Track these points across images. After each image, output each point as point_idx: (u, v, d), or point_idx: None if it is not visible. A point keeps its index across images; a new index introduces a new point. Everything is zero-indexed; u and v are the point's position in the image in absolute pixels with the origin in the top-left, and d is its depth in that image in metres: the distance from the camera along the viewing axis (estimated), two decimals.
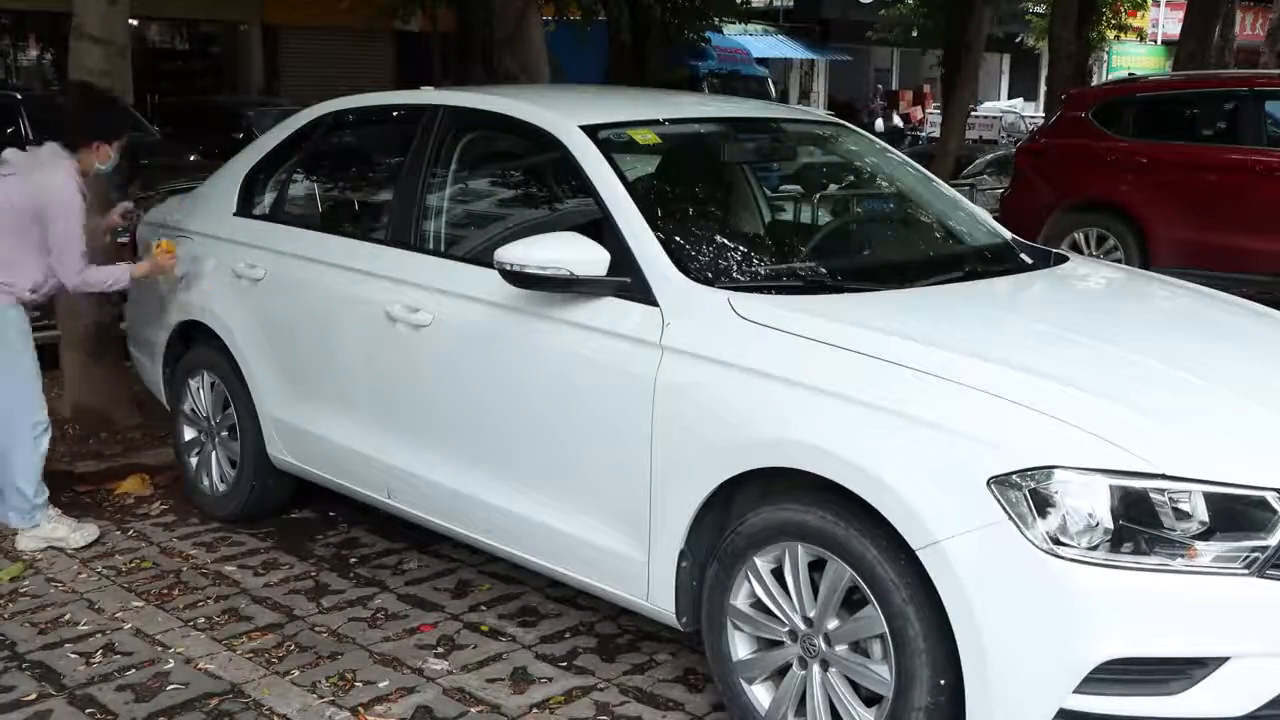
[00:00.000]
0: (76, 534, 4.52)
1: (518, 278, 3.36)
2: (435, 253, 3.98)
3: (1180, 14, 19.60)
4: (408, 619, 3.96)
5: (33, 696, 3.45)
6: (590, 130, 3.69)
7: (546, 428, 3.50)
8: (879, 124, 27.55)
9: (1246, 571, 2.56)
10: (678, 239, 3.45)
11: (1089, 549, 2.56)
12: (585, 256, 3.31)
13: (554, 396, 3.47)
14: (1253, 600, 2.56)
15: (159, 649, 3.74)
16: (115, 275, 4.51)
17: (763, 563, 3.03)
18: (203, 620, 3.94)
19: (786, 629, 3.03)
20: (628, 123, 3.89)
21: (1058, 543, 2.56)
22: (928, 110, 31.10)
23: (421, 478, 3.89)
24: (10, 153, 4.42)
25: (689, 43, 19.19)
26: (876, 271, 3.77)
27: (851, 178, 4.95)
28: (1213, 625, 2.58)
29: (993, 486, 2.60)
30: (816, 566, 2.95)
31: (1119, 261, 8.59)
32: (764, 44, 31.06)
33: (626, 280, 3.33)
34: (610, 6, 15.86)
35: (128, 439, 5.60)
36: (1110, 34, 26.03)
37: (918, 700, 2.75)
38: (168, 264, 4.57)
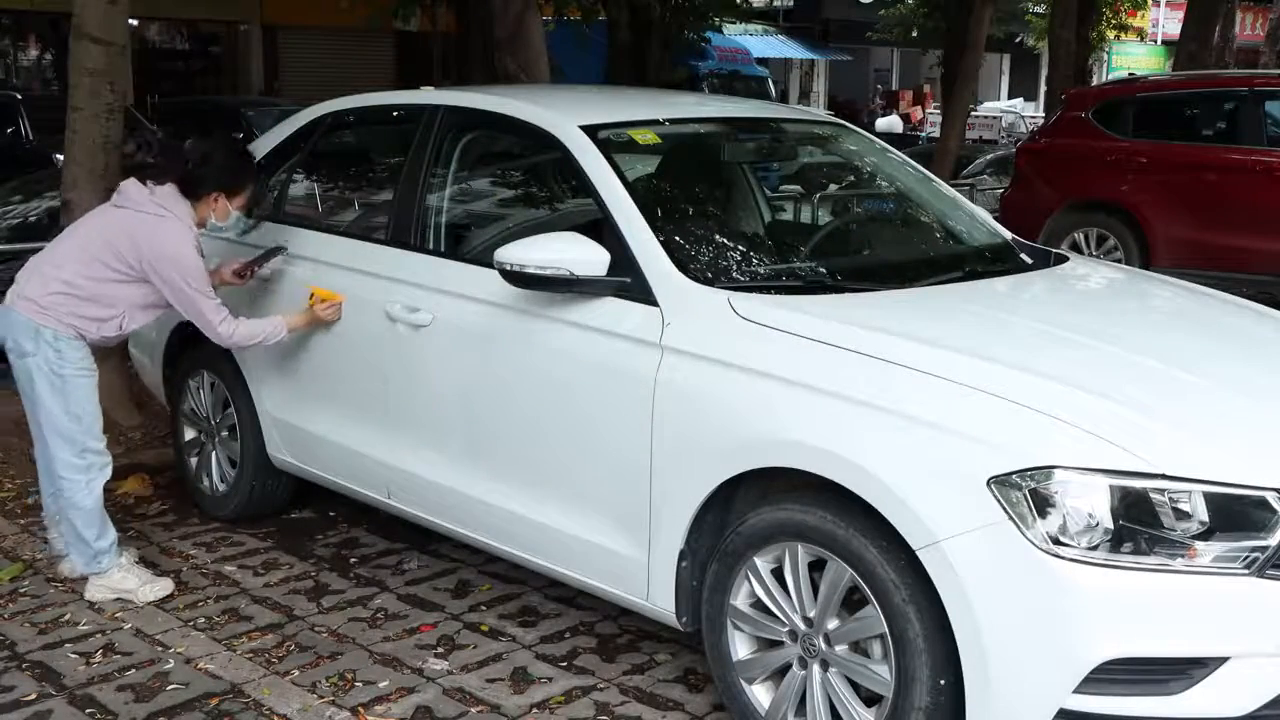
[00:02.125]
0: (147, 587, 4.07)
1: (517, 278, 3.36)
2: (435, 253, 3.98)
3: (1180, 14, 19.60)
4: (408, 619, 3.96)
5: (33, 696, 3.45)
6: (590, 130, 3.69)
7: (546, 427, 3.50)
8: (879, 124, 27.51)
9: (1246, 571, 2.56)
10: (678, 239, 3.45)
11: (1089, 549, 2.56)
12: (585, 256, 3.31)
13: (554, 396, 3.47)
14: (1253, 600, 2.56)
15: (159, 649, 3.74)
16: (267, 331, 4.06)
17: (763, 563, 3.03)
18: (203, 620, 3.94)
19: (786, 629, 3.03)
20: (628, 123, 3.89)
21: (1058, 543, 2.56)
22: (928, 110, 31.09)
23: (421, 478, 3.89)
24: (130, 185, 4.01)
25: (689, 43, 19.16)
26: (876, 271, 3.77)
27: (851, 178, 4.95)
28: (1213, 625, 2.58)
29: (993, 486, 2.60)
30: (816, 566, 2.95)
31: (1119, 261, 8.59)
32: (764, 44, 31.03)
33: (626, 280, 3.33)
34: (610, 6, 15.83)
35: (128, 439, 5.60)
36: (1110, 34, 26.02)
37: (918, 700, 2.75)
38: (329, 316, 4.10)
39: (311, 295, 4.11)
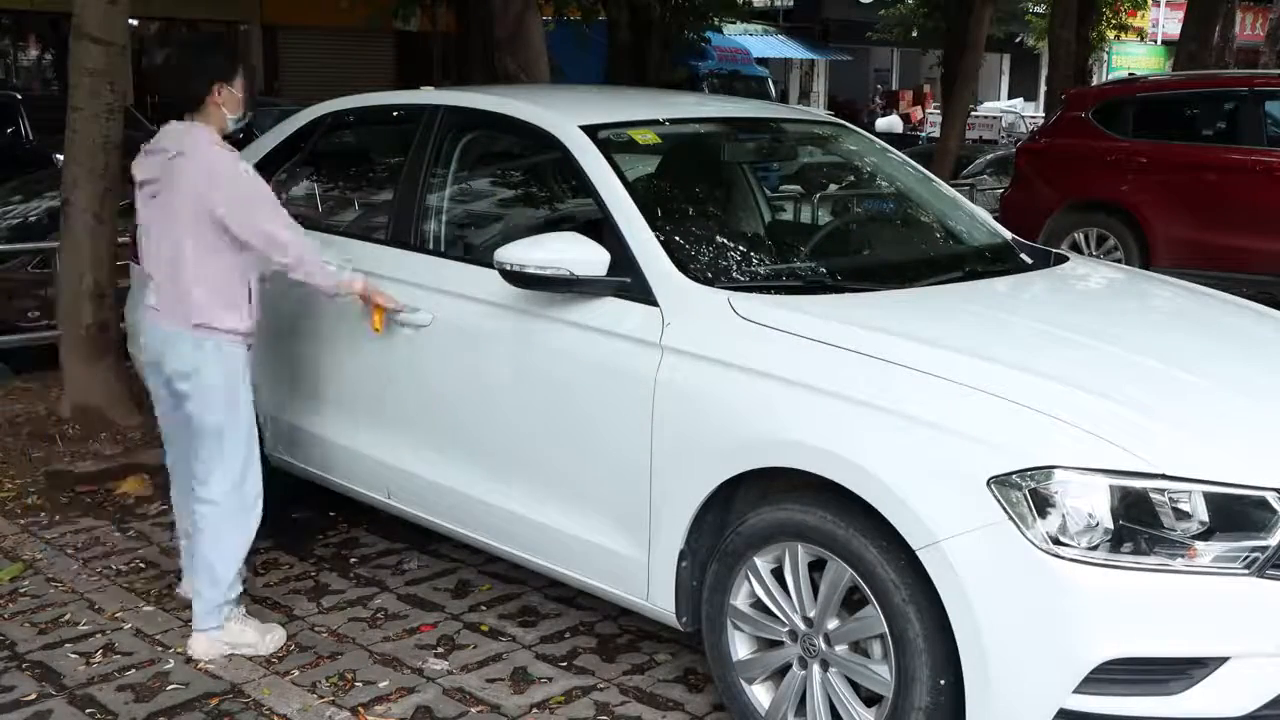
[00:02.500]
0: (268, 638, 3.74)
1: (517, 278, 3.36)
2: (435, 253, 3.98)
3: (1180, 14, 19.60)
4: (408, 619, 3.96)
5: (33, 696, 3.45)
6: (590, 130, 3.69)
7: (546, 427, 3.50)
8: (879, 123, 27.52)
9: (1246, 571, 2.56)
10: (678, 239, 3.45)
11: (1089, 549, 2.56)
12: (585, 256, 3.31)
13: (554, 396, 3.47)
14: (1253, 600, 2.56)
15: (159, 649, 3.74)
16: (330, 271, 3.68)
17: (763, 563, 3.03)
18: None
19: (786, 629, 3.03)
20: (628, 123, 3.89)
21: (1058, 543, 2.56)
22: (927, 110, 31.09)
23: (421, 478, 3.89)
24: (169, 127, 3.63)
25: (689, 43, 19.17)
26: (876, 271, 3.77)
27: (851, 178, 4.95)
28: (1213, 625, 2.58)
29: (993, 486, 2.60)
30: (816, 566, 2.95)
31: (1119, 261, 8.59)
32: (764, 44, 31.04)
33: (626, 280, 3.33)
34: (610, 6, 15.84)
35: (128, 439, 5.60)
36: (1110, 34, 26.02)
37: (918, 700, 2.75)
38: (389, 305, 3.81)
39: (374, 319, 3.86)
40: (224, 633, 3.67)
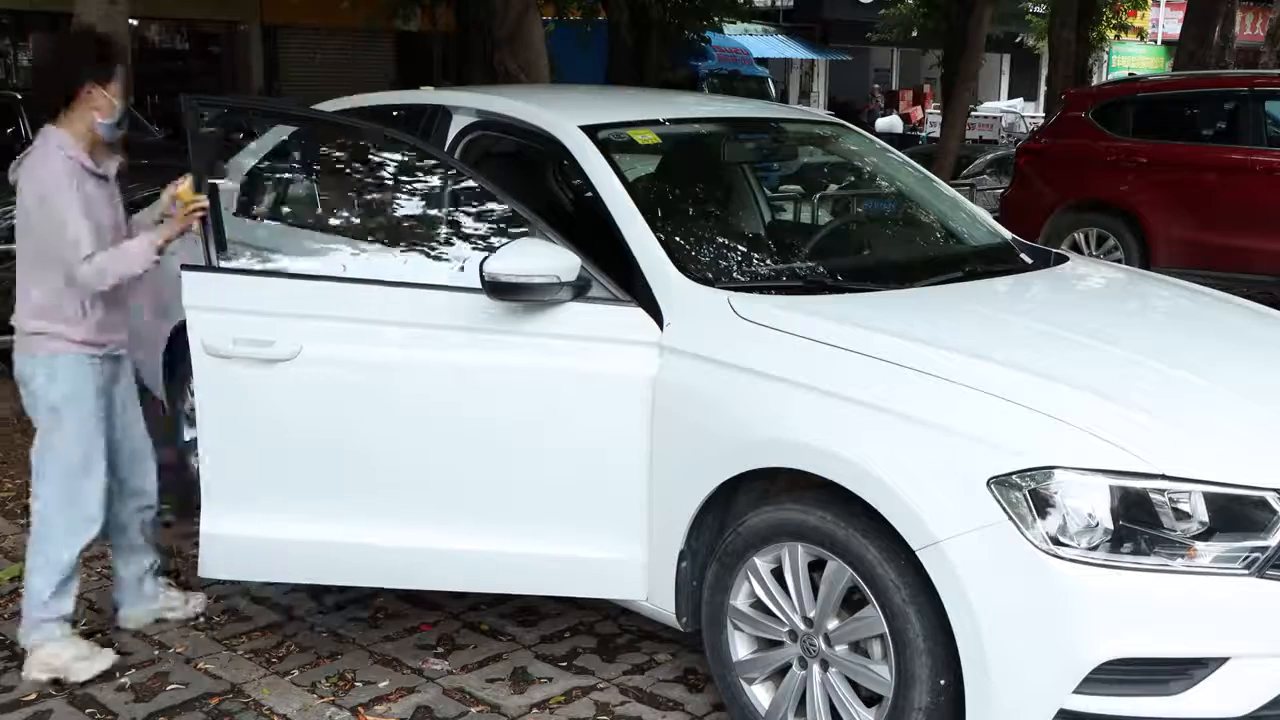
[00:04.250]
0: (86, 663, 3.55)
1: (506, 289, 3.22)
2: None
3: (1180, 14, 19.59)
4: (408, 619, 3.96)
5: (33, 697, 3.45)
6: (590, 130, 3.68)
7: (546, 427, 3.49)
8: (879, 124, 27.52)
9: (1246, 572, 2.56)
10: (678, 239, 3.45)
11: (1089, 549, 2.56)
12: (560, 264, 3.18)
13: (554, 396, 3.46)
14: (1253, 600, 2.56)
15: (159, 649, 3.74)
16: (135, 253, 3.36)
17: (763, 563, 3.03)
18: (203, 620, 3.93)
19: (786, 629, 3.03)
20: (628, 123, 3.88)
21: (1058, 543, 2.56)
22: (928, 110, 31.09)
23: (415, 549, 3.60)
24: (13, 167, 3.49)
25: (689, 43, 19.17)
26: (876, 271, 3.77)
27: (851, 178, 4.95)
28: (1213, 625, 2.58)
29: (993, 487, 2.60)
30: (816, 567, 2.95)
31: (1119, 261, 8.59)
32: (764, 44, 31.03)
33: (613, 287, 3.27)
34: (610, 6, 15.84)
35: None
36: (1110, 34, 25.99)
37: (918, 700, 2.75)
38: (197, 212, 3.39)
39: (176, 192, 3.45)
40: (40, 652, 3.52)
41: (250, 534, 3.40)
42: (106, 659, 3.59)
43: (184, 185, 3.43)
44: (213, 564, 3.45)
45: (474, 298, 3.22)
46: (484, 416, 3.32)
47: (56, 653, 3.51)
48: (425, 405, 3.31)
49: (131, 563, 3.83)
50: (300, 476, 3.39)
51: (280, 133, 4.69)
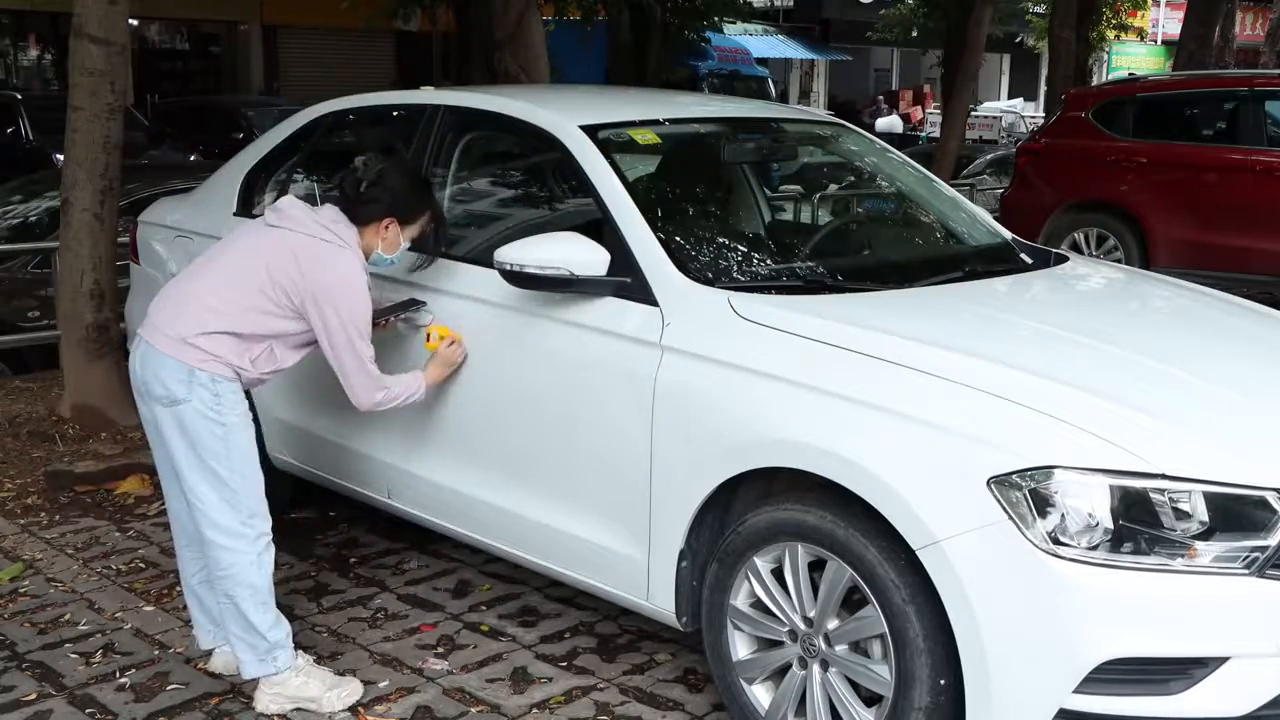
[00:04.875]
0: (334, 693, 3.40)
1: (517, 278, 3.36)
2: (435, 253, 3.97)
3: (1180, 14, 19.60)
4: (408, 619, 3.96)
5: (33, 696, 3.45)
6: (590, 130, 3.69)
7: (546, 427, 3.50)
8: (879, 124, 27.52)
9: (1246, 571, 2.56)
10: (678, 239, 3.45)
11: (1089, 549, 2.56)
12: (585, 256, 3.31)
13: (554, 396, 3.47)
14: (1253, 600, 2.56)
15: (159, 649, 3.74)
16: (412, 388, 3.53)
17: (763, 563, 3.03)
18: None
19: (786, 629, 3.03)
20: (628, 123, 3.89)
21: (1058, 543, 2.56)
22: (927, 110, 31.10)
23: (421, 477, 3.89)
24: (289, 203, 3.45)
25: (689, 43, 19.19)
26: (877, 271, 3.77)
27: (851, 178, 4.95)
28: (1213, 625, 2.58)
29: (993, 486, 2.60)
30: (816, 566, 2.95)
31: (1119, 261, 8.59)
32: (764, 44, 31.04)
33: (626, 280, 3.33)
34: (610, 6, 15.85)
35: (128, 439, 5.60)
36: (1110, 34, 26.02)
37: (918, 700, 2.75)
38: (457, 357, 3.63)
39: (429, 337, 3.66)
40: (281, 684, 3.36)
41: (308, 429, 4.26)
42: (356, 686, 3.45)
43: (436, 327, 3.68)
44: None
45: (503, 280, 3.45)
46: (502, 382, 3.61)
47: (306, 683, 3.38)
48: (473, 359, 3.68)
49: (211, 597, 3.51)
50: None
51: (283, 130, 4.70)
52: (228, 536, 3.31)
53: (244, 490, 3.33)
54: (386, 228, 3.46)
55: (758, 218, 4.59)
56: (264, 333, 3.32)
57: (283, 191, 4.72)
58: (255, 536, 3.35)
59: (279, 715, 3.35)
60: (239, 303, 3.28)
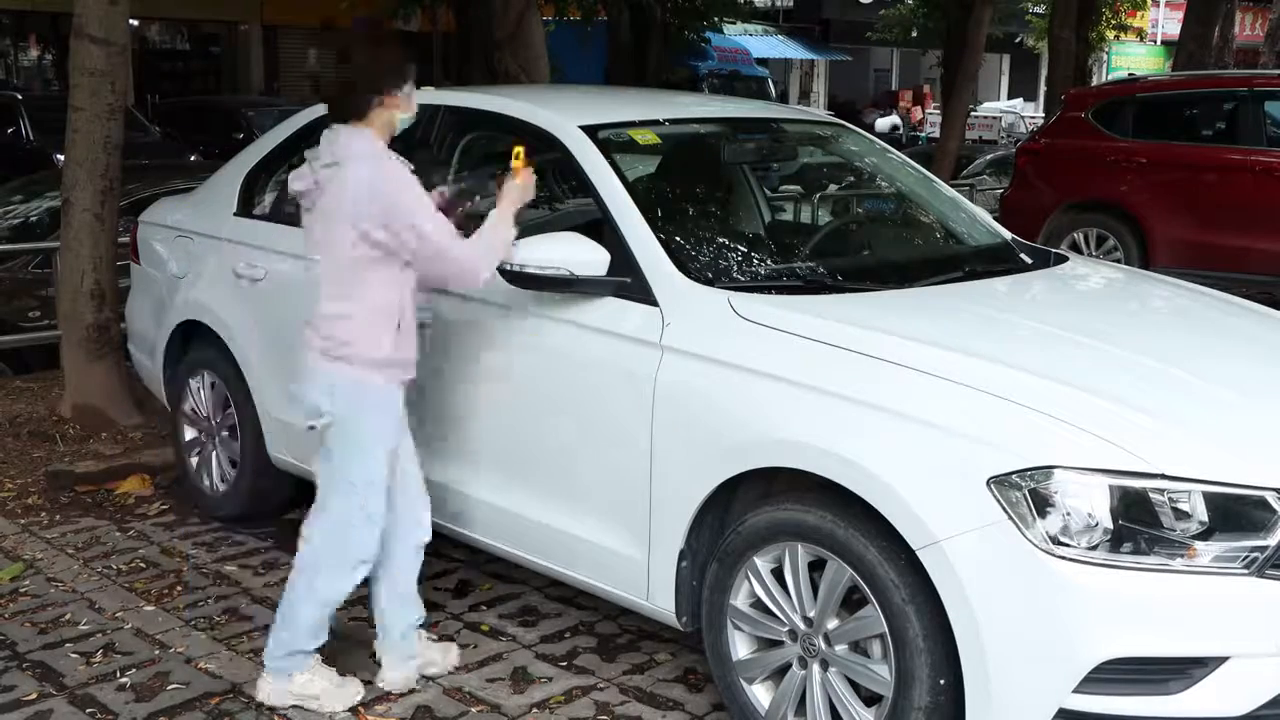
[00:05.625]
0: (336, 692, 3.40)
1: (518, 278, 3.36)
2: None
3: (1180, 14, 19.59)
4: None
5: (33, 696, 3.45)
6: (590, 130, 3.69)
7: (546, 427, 3.50)
8: (879, 124, 27.54)
9: (1246, 571, 2.56)
10: (678, 239, 3.45)
11: (1089, 549, 2.56)
12: (585, 257, 3.31)
13: (554, 396, 3.47)
14: (1252, 600, 2.56)
15: (159, 649, 3.74)
16: (505, 238, 3.29)
17: (763, 563, 3.03)
18: (203, 620, 3.94)
19: (786, 629, 3.03)
20: (628, 123, 3.89)
21: (1057, 543, 2.56)
22: (927, 110, 31.11)
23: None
24: (300, 171, 3.30)
25: (689, 43, 19.19)
26: (876, 271, 3.77)
27: (851, 178, 4.95)
28: (1212, 625, 2.59)
29: (992, 486, 2.61)
30: (816, 566, 2.95)
31: (1119, 261, 8.59)
32: (764, 44, 31.06)
33: (626, 280, 3.33)
34: (610, 6, 15.85)
35: (128, 439, 5.60)
36: (1110, 34, 26.02)
37: (918, 700, 2.75)
38: (529, 179, 3.39)
39: (518, 155, 3.41)
40: (289, 681, 3.38)
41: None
42: (358, 686, 3.44)
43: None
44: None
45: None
46: (502, 382, 3.58)
47: (310, 680, 3.37)
48: (473, 359, 3.70)
49: (400, 616, 3.50)
50: None
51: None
52: (340, 553, 3.33)
53: (370, 512, 3.32)
54: (385, 100, 3.24)
55: (758, 218, 4.59)
56: (380, 296, 3.18)
57: (283, 191, 4.73)
58: (359, 557, 3.35)
59: (279, 709, 3.36)
60: (334, 280, 3.18)
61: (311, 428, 3.31)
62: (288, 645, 3.35)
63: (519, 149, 3.42)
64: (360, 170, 3.15)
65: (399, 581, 3.47)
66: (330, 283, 3.21)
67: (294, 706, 3.37)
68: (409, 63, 3.33)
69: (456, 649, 3.64)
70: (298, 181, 3.28)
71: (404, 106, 3.29)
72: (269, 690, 3.38)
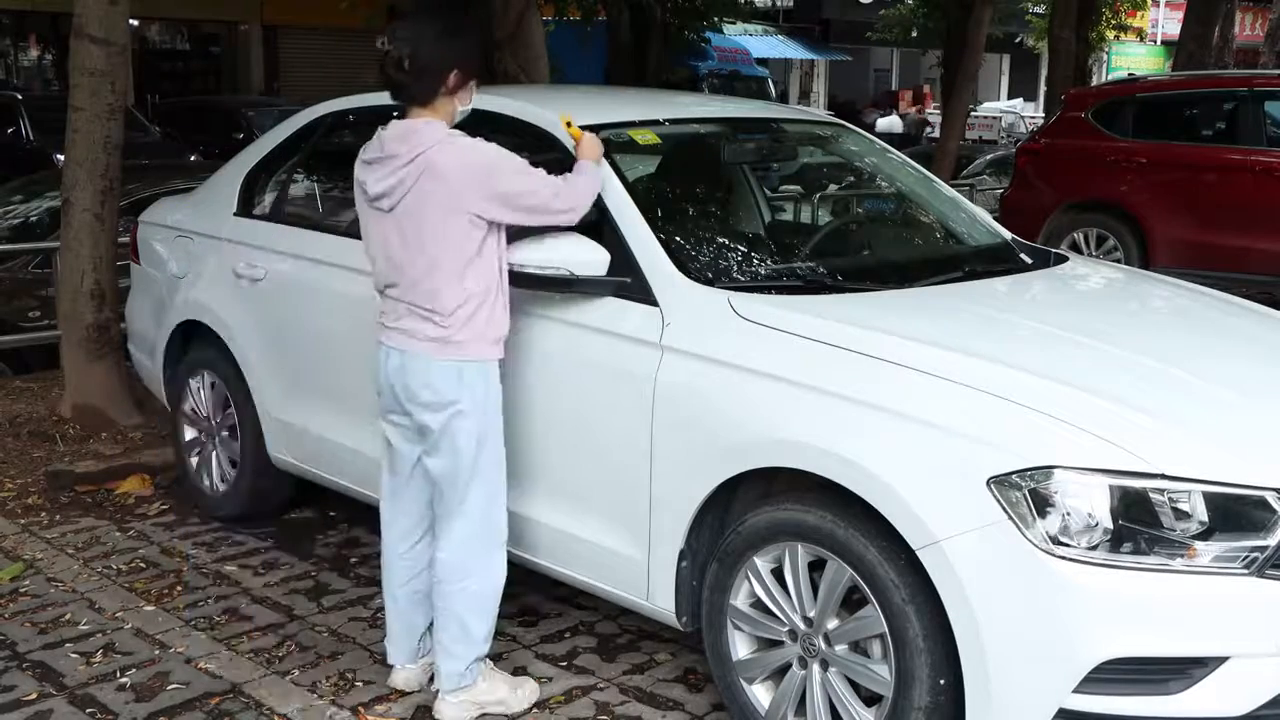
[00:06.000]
0: (517, 693, 3.37)
1: (518, 278, 3.36)
2: None
3: (1180, 14, 19.60)
4: None
5: (33, 696, 3.45)
6: (590, 130, 3.68)
7: (546, 427, 3.50)
8: (880, 124, 27.53)
9: (1246, 571, 2.56)
10: (678, 239, 3.45)
11: (1089, 549, 2.56)
12: (585, 257, 3.31)
13: (554, 396, 3.47)
14: (1252, 600, 2.56)
15: (159, 649, 3.74)
16: (596, 180, 3.33)
17: (763, 563, 3.03)
18: (203, 620, 3.94)
19: (786, 629, 3.03)
20: (628, 123, 3.88)
21: (1057, 543, 2.56)
22: (927, 110, 31.11)
23: None
24: (392, 129, 3.18)
25: (689, 43, 19.18)
26: (876, 271, 3.77)
27: (851, 178, 4.95)
28: (1212, 625, 2.58)
29: (992, 486, 2.61)
30: (816, 566, 2.95)
31: (1119, 261, 8.59)
32: (764, 44, 31.06)
33: (626, 280, 3.33)
34: (610, 7, 15.85)
35: (128, 439, 5.60)
36: (1110, 34, 26.02)
37: (918, 700, 2.75)
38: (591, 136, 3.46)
39: (569, 124, 3.53)
40: (472, 691, 3.29)
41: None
42: (533, 685, 3.43)
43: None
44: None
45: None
46: (508, 379, 3.43)
47: (490, 686, 3.33)
48: None
49: (418, 612, 3.43)
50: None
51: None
52: (485, 541, 3.25)
53: (503, 486, 3.26)
54: (453, 87, 3.17)
55: (758, 218, 4.59)
56: (489, 271, 3.15)
57: (283, 192, 4.73)
58: (503, 537, 3.29)
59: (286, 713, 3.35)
60: (450, 268, 3.10)
61: (421, 430, 3.21)
62: (467, 658, 3.26)
63: (565, 117, 3.56)
64: (450, 157, 3.09)
65: (419, 580, 3.41)
66: (438, 272, 3.11)
67: (483, 715, 3.28)
68: (480, 53, 3.29)
69: (533, 684, 3.45)
70: (378, 183, 3.15)
71: (465, 99, 3.24)
72: (453, 711, 3.27)
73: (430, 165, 3.08)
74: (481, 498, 3.24)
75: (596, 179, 3.35)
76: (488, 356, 3.22)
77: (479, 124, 4.14)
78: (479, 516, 3.24)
